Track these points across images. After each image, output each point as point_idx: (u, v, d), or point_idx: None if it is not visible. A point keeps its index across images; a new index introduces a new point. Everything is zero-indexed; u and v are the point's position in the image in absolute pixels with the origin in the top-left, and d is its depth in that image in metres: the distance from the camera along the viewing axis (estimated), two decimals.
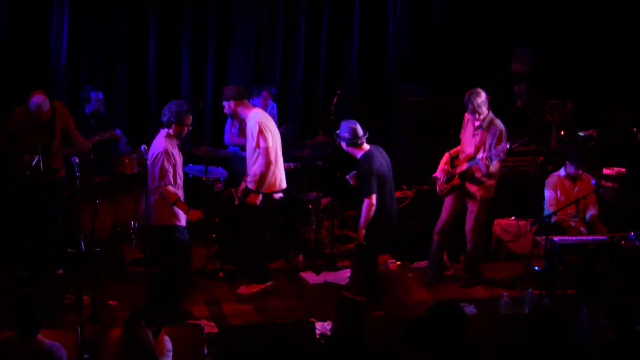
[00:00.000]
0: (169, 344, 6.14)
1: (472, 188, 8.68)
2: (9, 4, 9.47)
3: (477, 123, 8.51)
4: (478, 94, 8.39)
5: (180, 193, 7.76)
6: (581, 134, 10.20)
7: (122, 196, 9.30)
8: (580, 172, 8.64)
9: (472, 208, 8.73)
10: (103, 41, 9.93)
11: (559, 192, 8.67)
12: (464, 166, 8.61)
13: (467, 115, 8.61)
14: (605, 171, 9.66)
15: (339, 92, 9.77)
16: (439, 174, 8.82)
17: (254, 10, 10.29)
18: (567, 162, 8.70)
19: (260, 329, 7.28)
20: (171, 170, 7.61)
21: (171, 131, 7.65)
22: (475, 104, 8.36)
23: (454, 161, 8.78)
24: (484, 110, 8.42)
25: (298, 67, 10.56)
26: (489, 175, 8.55)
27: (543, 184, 8.87)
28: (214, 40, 10.24)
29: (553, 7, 11.01)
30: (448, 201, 8.87)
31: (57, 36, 9.64)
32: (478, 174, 8.55)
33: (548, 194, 8.73)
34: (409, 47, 10.92)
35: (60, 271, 8.68)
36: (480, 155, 8.36)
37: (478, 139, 8.55)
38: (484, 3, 10.86)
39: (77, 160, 8.10)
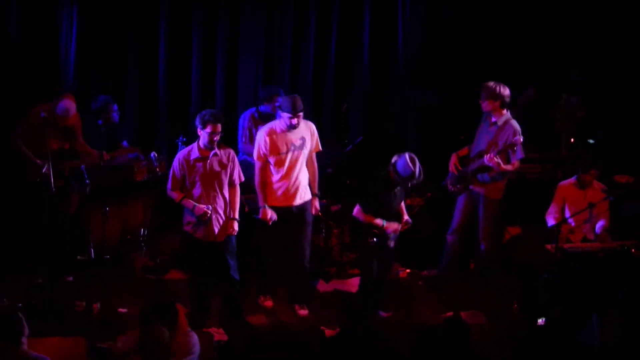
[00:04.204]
0: (193, 338, 6.18)
1: (480, 189, 8.67)
2: (20, 9, 9.50)
3: (493, 119, 8.52)
4: (505, 87, 8.45)
5: (209, 198, 7.82)
6: (591, 141, 10.16)
7: (131, 203, 9.30)
8: (587, 177, 8.54)
9: (481, 210, 8.72)
10: (113, 48, 9.94)
11: (566, 202, 8.57)
12: (476, 164, 8.60)
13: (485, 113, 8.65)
14: (616, 178, 9.62)
15: (348, 98, 9.78)
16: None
17: (264, 17, 10.28)
18: (578, 166, 8.64)
19: (269, 337, 7.28)
20: (176, 176, 7.74)
21: (200, 138, 7.76)
22: (500, 92, 8.41)
23: (463, 160, 8.76)
24: (502, 105, 8.46)
25: (308, 73, 10.54)
26: (500, 174, 8.52)
27: (552, 191, 8.82)
28: (224, 45, 10.22)
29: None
30: (460, 202, 8.87)
31: (66, 43, 9.65)
32: (491, 173, 8.53)
33: (552, 204, 8.67)
34: (419, 52, 10.89)
35: (70, 278, 8.71)
36: (490, 154, 8.35)
37: (491, 136, 8.55)
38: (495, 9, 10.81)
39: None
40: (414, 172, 7.80)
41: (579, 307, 7.88)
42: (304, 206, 8.36)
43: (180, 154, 7.81)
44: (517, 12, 10.68)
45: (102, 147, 8.96)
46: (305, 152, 8.27)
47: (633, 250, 7.99)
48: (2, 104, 9.05)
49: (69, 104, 8.35)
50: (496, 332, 8.01)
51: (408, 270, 9.47)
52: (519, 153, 8.44)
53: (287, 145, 8.16)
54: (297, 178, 8.26)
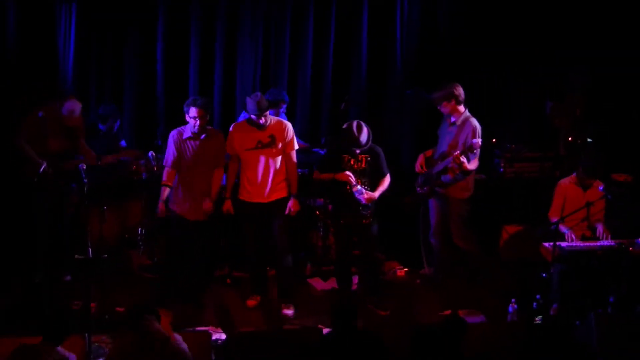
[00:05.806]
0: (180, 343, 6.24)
1: (444, 190, 8.64)
2: (18, 9, 9.49)
3: (452, 119, 8.51)
4: (458, 86, 8.49)
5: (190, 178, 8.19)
6: (590, 140, 10.13)
7: (129, 202, 9.30)
8: (590, 180, 8.52)
9: (447, 210, 8.70)
10: (111, 48, 9.94)
11: (566, 200, 8.56)
12: (440, 166, 8.58)
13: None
14: (614, 177, 9.61)
15: (347, 97, 9.77)
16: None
17: (262, 15, 10.28)
18: (580, 168, 8.54)
19: (267, 335, 7.28)
20: (170, 152, 8.19)
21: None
22: (454, 91, 8.45)
23: (429, 161, 8.75)
24: (460, 106, 8.48)
25: (306, 73, 10.53)
26: (463, 174, 8.48)
27: (551, 190, 8.80)
28: (222, 44, 10.22)
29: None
30: (431, 204, 8.85)
31: (64, 43, 9.65)
32: (453, 173, 8.49)
33: (554, 201, 8.65)
34: (417, 52, 10.87)
35: (68, 277, 8.70)
36: (454, 153, 8.32)
37: (452, 137, 8.54)
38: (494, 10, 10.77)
39: (84, 167, 8.12)
40: (357, 139, 8.06)
41: (576, 306, 7.89)
42: (275, 203, 8.31)
43: (174, 132, 8.18)
44: (517, 12, 10.66)
45: (102, 151, 8.98)
46: (274, 150, 8.24)
47: (630, 248, 7.99)
48: (2, 104, 9.05)
49: (75, 105, 8.50)
50: (494, 331, 7.99)
51: (406, 269, 9.48)
52: (476, 153, 8.39)
53: (253, 141, 8.21)
54: (265, 175, 8.25)
